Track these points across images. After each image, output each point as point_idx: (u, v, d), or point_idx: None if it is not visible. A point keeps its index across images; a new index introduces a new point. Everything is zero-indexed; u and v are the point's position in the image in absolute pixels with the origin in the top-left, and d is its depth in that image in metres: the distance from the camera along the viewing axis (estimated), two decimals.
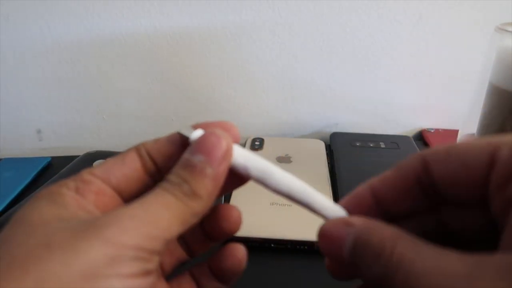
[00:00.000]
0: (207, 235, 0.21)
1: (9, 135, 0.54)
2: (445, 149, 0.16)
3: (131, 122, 0.54)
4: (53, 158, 0.50)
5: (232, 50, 0.50)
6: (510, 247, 0.13)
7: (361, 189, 0.18)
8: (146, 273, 0.15)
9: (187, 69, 0.51)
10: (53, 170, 0.48)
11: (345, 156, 0.46)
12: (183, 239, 0.22)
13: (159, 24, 0.48)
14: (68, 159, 0.48)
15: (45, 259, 0.13)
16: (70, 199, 0.16)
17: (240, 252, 0.21)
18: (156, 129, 0.55)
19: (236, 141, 0.19)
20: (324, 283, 0.20)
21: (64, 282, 0.13)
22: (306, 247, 0.33)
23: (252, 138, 0.51)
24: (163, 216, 0.16)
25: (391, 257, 0.14)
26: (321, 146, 0.49)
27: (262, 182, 0.19)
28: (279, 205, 0.36)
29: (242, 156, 0.18)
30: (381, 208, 0.18)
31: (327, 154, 0.48)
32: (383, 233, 0.15)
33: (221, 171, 0.17)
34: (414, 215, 0.18)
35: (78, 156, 0.48)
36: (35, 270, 0.13)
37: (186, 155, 0.17)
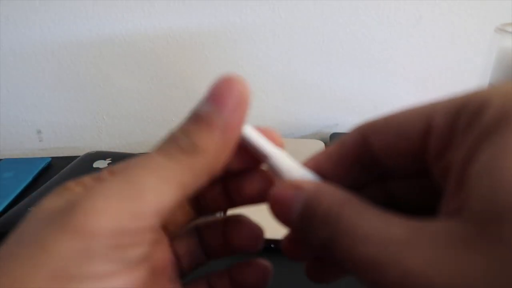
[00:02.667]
0: (226, 241, 0.20)
1: (9, 135, 0.54)
2: (383, 119, 0.16)
3: (131, 122, 0.54)
4: (53, 158, 0.50)
5: (232, 50, 0.50)
6: (447, 214, 0.12)
7: (306, 163, 0.17)
8: (130, 266, 0.13)
9: (187, 69, 0.51)
10: (53, 170, 0.48)
11: None
12: (202, 237, 0.20)
13: (159, 24, 0.48)
14: (68, 159, 0.48)
15: (13, 255, 0.12)
16: (76, 194, 0.15)
17: (266, 270, 0.20)
18: (156, 129, 0.55)
19: (280, 144, 0.17)
20: (326, 284, 0.19)
21: (32, 285, 0.11)
22: None
23: None
24: (149, 185, 0.13)
25: (337, 222, 0.13)
26: (321, 146, 0.49)
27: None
28: None
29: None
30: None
31: None
32: (333, 197, 0.14)
33: (234, 121, 0.15)
34: (362, 187, 0.17)
35: (78, 156, 0.48)
36: (6, 271, 0.12)
37: (194, 107, 0.15)
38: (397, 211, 0.13)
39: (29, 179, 0.45)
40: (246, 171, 0.18)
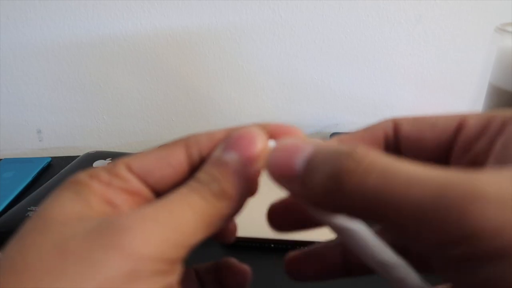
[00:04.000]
0: (222, 285, 0.20)
1: (9, 135, 0.54)
2: (416, 116, 0.17)
3: (131, 122, 0.54)
4: (53, 158, 0.50)
5: (232, 50, 0.50)
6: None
7: (331, 141, 0.18)
8: None
9: (187, 69, 0.51)
10: (53, 170, 0.48)
11: None
12: (201, 281, 0.21)
13: (159, 24, 0.48)
14: (68, 159, 0.48)
15: (59, 270, 0.12)
16: (97, 193, 0.15)
17: (246, 275, 0.20)
18: (156, 129, 0.55)
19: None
20: (326, 283, 0.19)
21: None
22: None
23: None
24: (188, 220, 0.14)
25: (364, 158, 0.12)
26: None
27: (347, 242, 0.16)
28: None
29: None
30: None
31: None
32: (353, 144, 0.14)
33: (254, 171, 0.16)
34: None
35: (78, 156, 0.48)
36: (48, 284, 0.12)
37: (218, 152, 0.16)
38: None
39: (29, 179, 0.45)
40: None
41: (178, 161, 0.17)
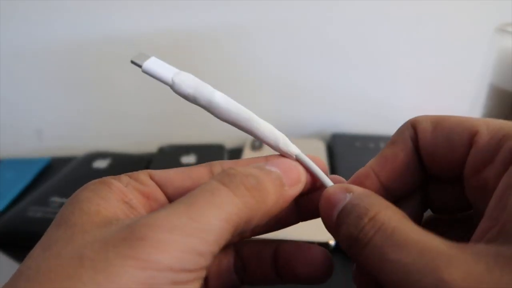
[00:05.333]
0: (277, 268, 0.18)
1: (9, 135, 0.53)
2: (434, 120, 0.17)
3: (131, 122, 0.54)
4: (53, 158, 0.50)
5: (232, 50, 0.50)
6: (486, 234, 0.13)
7: (363, 170, 0.18)
8: None
9: (187, 69, 0.51)
10: (53, 170, 0.48)
11: (345, 157, 0.46)
12: (240, 258, 0.19)
13: (159, 24, 0.48)
14: (68, 159, 0.48)
15: (77, 277, 0.12)
16: (115, 193, 0.15)
17: (326, 260, 0.18)
18: (156, 129, 0.55)
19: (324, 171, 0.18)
20: (329, 284, 0.19)
21: None
22: None
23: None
24: (212, 224, 0.13)
25: (373, 220, 0.14)
26: (321, 146, 0.49)
27: (209, 111, 0.18)
28: None
29: (191, 87, 0.18)
30: (384, 187, 0.18)
31: (327, 154, 0.48)
32: (374, 200, 0.15)
33: (290, 194, 0.16)
34: (411, 195, 0.18)
35: (78, 156, 0.48)
36: None
37: (259, 163, 0.16)
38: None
39: (29, 179, 0.45)
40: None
41: (199, 175, 0.17)
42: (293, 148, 0.18)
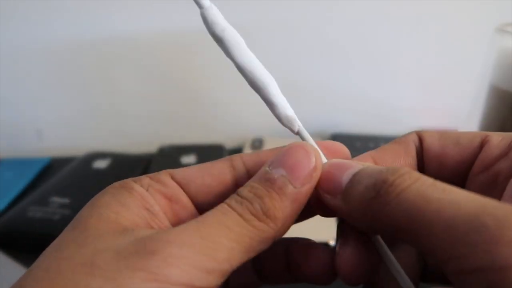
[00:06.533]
0: (289, 267, 0.18)
1: (9, 135, 0.53)
2: (440, 131, 0.17)
3: (131, 122, 0.54)
4: (53, 158, 0.50)
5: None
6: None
7: (363, 156, 0.17)
8: None
9: (187, 69, 0.51)
10: (53, 170, 0.48)
11: None
12: (257, 257, 0.18)
13: (160, 24, 0.48)
14: (68, 159, 0.48)
15: (85, 284, 0.12)
16: (136, 199, 0.15)
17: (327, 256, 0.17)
18: (157, 129, 0.55)
19: (347, 158, 0.17)
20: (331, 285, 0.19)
21: None
22: None
23: (252, 138, 0.51)
24: (222, 243, 0.13)
25: (408, 173, 0.13)
26: None
27: (229, 52, 0.18)
28: None
29: (220, 24, 0.18)
30: None
31: None
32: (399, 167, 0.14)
33: (304, 192, 0.15)
34: None
35: (78, 156, 0.48)
36: None
37: (265, 167, 0.15)
38: None
39: (29, 179, 0.45)
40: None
41: (220, 170, 0.16)
42: (296, 124, 0.17)
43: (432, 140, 0.17)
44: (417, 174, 0.13)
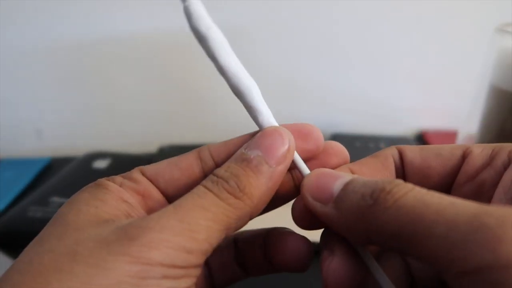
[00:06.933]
0: (266, 257, 0.18)
1: (9, 135, 0.53)
2: (421, 145, 0.18)
3: (131, 122, 0.54)
4: (53, 158, 0.50)
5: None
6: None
7: (341, 168, 0.18)
8: None
9: (187, 69, 0.51)
10: (53, 170, 0.48)
11: None
12: (239, 251, 0.19)
13: (159, 24, 0.48)
14: (68, 159, 0.48)
15: (67, 272, 0.12)
16: (113, 193, 0.15)
17: (302, 244, 0.18)
18: (157, 129, 0.55)
19: (345, 158, 0.18)
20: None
21: None
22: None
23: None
24: (200, 224, 0.13)
25: (402, 184, 0.13)
26: None
27: (212, 52, 0.17)
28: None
29: (205, 21, 0.17)
30: None
31: None
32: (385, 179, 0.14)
33: (278, 172, 0.15)
34: None
35: (78, 156, 0.48)
36: (59, 283, 0.12)
37: (241, 149, 0.16)
38: None
39: (29, 179, 0.45)
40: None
41: (187, 163, 0.17)
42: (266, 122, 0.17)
43: (413, 154, 0.17)
44: (411, 185, 0.13)
